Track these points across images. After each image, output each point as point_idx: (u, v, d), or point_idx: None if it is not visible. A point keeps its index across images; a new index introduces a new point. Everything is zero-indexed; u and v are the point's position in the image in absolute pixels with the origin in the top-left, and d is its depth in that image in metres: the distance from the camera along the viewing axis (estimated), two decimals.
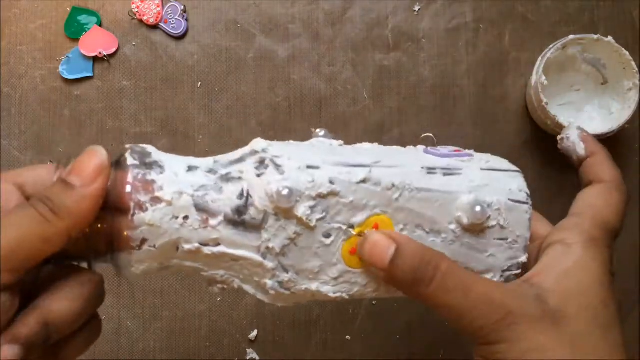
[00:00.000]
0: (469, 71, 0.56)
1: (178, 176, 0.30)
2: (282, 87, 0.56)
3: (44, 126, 0.56)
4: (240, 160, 0.32)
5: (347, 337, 0.54)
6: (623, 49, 0.50)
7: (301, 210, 0.30)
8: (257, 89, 0.56)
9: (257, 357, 0.54)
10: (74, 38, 0.56)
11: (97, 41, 0.56)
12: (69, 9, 0.56)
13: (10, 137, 0.56)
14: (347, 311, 0.54)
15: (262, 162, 0.31)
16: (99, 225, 0.29)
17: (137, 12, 0.56)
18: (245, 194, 0.31)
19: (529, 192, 0.35)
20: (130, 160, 0.30)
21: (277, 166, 0.31)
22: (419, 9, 0.56)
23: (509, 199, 0.34)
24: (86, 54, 0.56)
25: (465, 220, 0.33)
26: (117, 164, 0.30)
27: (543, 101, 0.50)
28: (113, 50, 0.56)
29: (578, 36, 0.51)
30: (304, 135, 0.36)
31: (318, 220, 0.31)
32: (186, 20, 0.56)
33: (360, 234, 0.32)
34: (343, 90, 0.56)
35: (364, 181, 0.31)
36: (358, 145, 0.36)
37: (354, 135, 0.55)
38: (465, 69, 0.56)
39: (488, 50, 0.56)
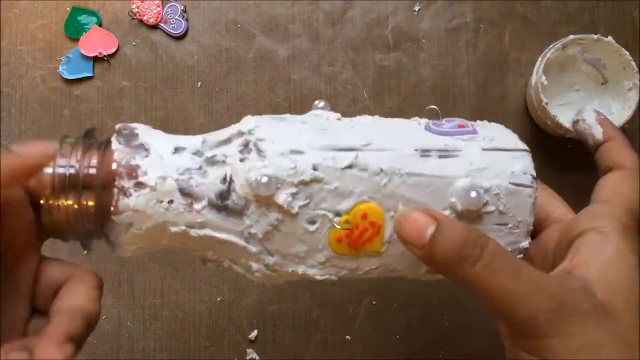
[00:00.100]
0: (469, 71, 0.56)
1: (163, 159, 0.30)
2: (282, 87, 0.56)
3: (44, 126, 0.56)
4: (227, 141, 0.32)
5: (347, 337, 0.54)
6: (623, 49, 0.50)
7: (282, 197, 0.30)
8: (257, 89, 0.56)
9: (257, 357, 0.54)
10: (74, 38, 0.56)
11: (97, 41, 0.56)
12: (69, 9, 0.56)
13: (10, 137, 0.56)
14: (347, 311, 0.54)
15: (246, 146, 0.31)
16: (86, 203, 0.29)
17: (137, 12, 0.56)
18: (228, 179, 0.30)
19: (534, 174, 0.33)
20: (115, 144, 0.30)
21: (260, 151, 0.30)
22: (419, 9, 0.56)
23: (510, 183, 0.32)
24: (86, 54, 0.56)
25: (459, 207, 0.31)
26: (104, 146, 0.30)
27: (543, 101, 0.50)
28: (113, 50, 0.56)
29: (578, 36, 0.51)
30: None
31: (301, 207, 0.30)
32: (186, 20, 0.56)
33: (345, 227, 0.31)
34: (343, 90, 0.56)
35: (349, 167, 0.30)
36: (357, 118, 0.35)
37: None
38: (465, 69, 0.56)
39: (488, 50, 0.56)
